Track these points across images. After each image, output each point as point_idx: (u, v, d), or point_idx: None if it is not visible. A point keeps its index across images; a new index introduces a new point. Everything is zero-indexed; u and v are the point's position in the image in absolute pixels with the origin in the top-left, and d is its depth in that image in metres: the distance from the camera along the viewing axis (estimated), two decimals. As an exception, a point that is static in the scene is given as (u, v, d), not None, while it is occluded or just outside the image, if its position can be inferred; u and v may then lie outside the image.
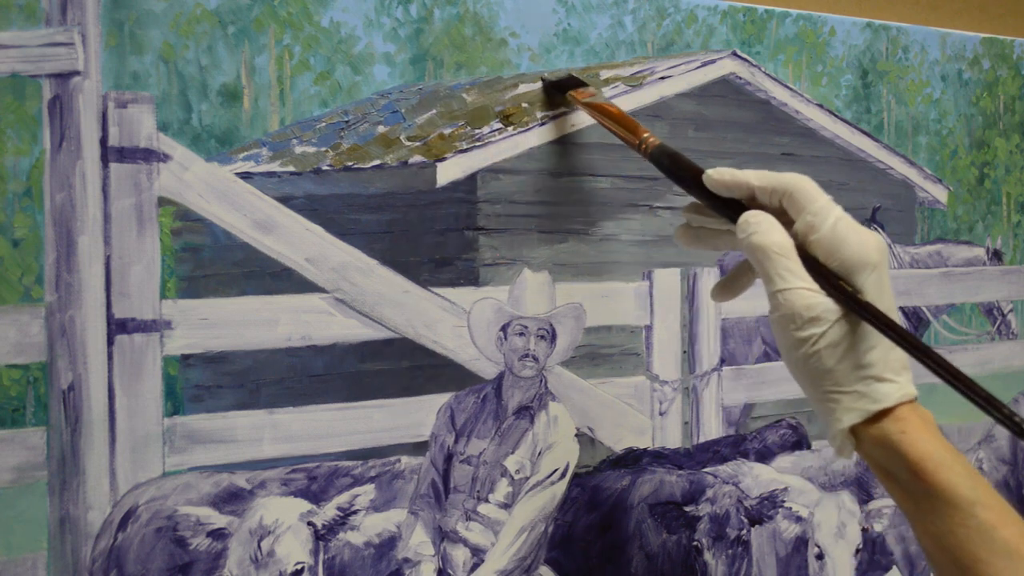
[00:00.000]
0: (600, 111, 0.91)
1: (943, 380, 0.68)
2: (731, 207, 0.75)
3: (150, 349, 0.79)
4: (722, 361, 1.07)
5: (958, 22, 1.32)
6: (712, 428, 1.08)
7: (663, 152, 0.83)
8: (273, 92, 0.84)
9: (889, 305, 0.70)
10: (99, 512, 0.77)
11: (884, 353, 0.69)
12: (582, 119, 0.97)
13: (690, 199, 0.81)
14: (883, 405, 0.68)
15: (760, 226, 0.71)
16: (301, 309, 0.85)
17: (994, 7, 1.37)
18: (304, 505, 0.84)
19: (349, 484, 0.86)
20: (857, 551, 1.13)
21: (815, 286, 0.69)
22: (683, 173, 0.80)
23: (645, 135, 0.85)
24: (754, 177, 0.74)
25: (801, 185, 0.72)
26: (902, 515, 1.19)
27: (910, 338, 0.68)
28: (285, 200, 0.84)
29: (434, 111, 0.91)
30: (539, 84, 0.96)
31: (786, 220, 0.72)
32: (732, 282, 0.84)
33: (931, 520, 0.68)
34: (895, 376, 0.69)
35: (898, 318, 0.71)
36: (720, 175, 0.76)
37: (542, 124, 0.95)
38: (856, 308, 0.68)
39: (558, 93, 0.95)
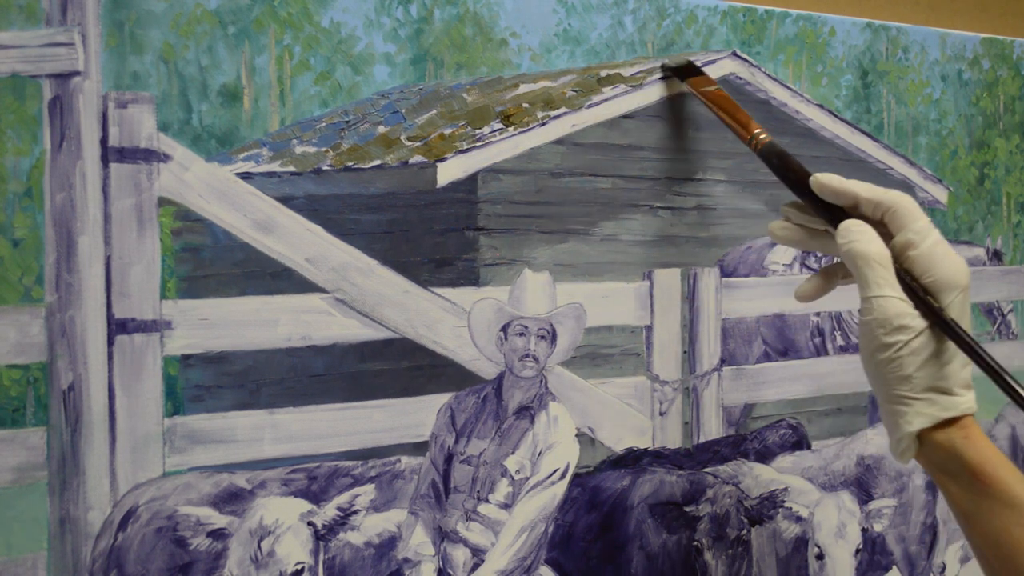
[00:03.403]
0: (716, 102, 0.96)
1: (1017, 404, 0.73)
2: (833, 212, 0.80)
3: (150, 349, 0.79)
4: (722, 361, 1.07)
5: (958, 22, 1.32)
6: (712, 428, 1.08)
7: (773, 151, 0.88)
8: (273, 92, 0.84)
9: (967, 325, 0.76)
10: (99, 512, 0.77)
11: (958, 368, 0.75)
12: (582, 119, 0.97)
13: (791, 197, 0.86)
14: (952, 413, 0.75)
15: (863, 235, 0.76)
16: (301, 309, 0.85)
17: (994, 7, 1.37)
18: (304, 505, 0.84)
19: (349, 484, 0.86)
20: (857, 551, 1.13)
21: (906, 297, 0.75)
22: (791, 174, 0.85)
23: (757, 131, 0.90)
24: (861, 188, 0.79)
25: (905, 203, 0.77)
26: (902, 515, 1.19)
27: (989, 358, 0.73)
28: (285, 200, 0.84)
29: (434, 111, 0.91)
30: (540, 84, 0.96)
31: (883, 232, 0.77)
32: (821, 281, 0.87)
33: (988, 519, 0.74)
34: (963, 391, 0.76)
35: (973, 336, 0.76)
36: (829, 180, 0.80)
37: (542, 124, 0.95)
38: (943, 324, 0.74)
39: (676, 78, 0.99)
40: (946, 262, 0.75)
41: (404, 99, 0.90)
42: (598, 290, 0.98)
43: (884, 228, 0.78)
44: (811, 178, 0.81)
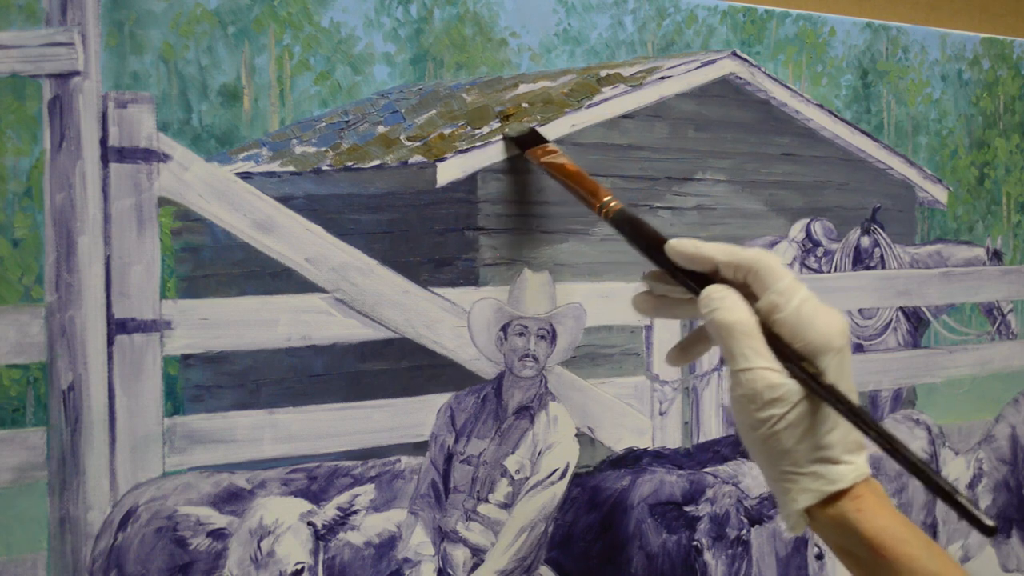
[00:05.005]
0: (560, 172, 0.89)
1: (904, 468, 0.67)
2: (694, 278, 0.74)
3: (150, 349, 0.79)
4: (722, 361, 1.07)
5: (958, 22, 1.32)
6: (712, 428, 1.08)
7: (624, 218, 0.82)
8: (273, 92, 0.84)
9: (849, 387, 0.70)
10: (99, 512, 0.77)
11: (843, 435, 0.69)
12: (582, 119, 0.97)
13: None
14: (839, 486, 0.69)
15: (724, 302, 0.70)
16: (301, 309, 0.85)
17: (994, 7, 1.38)
18: (304, 505, 0.84)
19: (349, 484, 0.86)
20: (857, 551, 1.13)
21: (778, 366, 0.69)
22: (645, 241, 0.79)
23: (607, 198, 0.84)
24: (718, 252, 0.73)
25: (766, 262, 0.71)
26: (905, 512, 1.19)
27: (872, 424, 0.67)
28: (285, 200, 0.84)
29: (434, 111, 0.91)
30: (539, 84, 0.96)
31: (748, 293, 0.72)
32: (690, 347, 0.83)
33: None
34: (851, 457, 0.70)
35: (856, 399, 0.69)
36: (683, 247, 0.75)
37: (542, 124, 0.95)
38: (820, 392, 0.68)
39: (517, 149, 0.92)
40: (816, 323, 0.69)
41: (404, 99, 0.90)
42: (598, 290, 0.98)
43: (749, 290, 0.72)
44: (666, 245, 0.75)
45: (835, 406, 0.68)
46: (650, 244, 0.78)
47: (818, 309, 0.70)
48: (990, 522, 0.65)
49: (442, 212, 0.91)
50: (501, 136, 0.92)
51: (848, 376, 0.70)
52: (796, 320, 0.69)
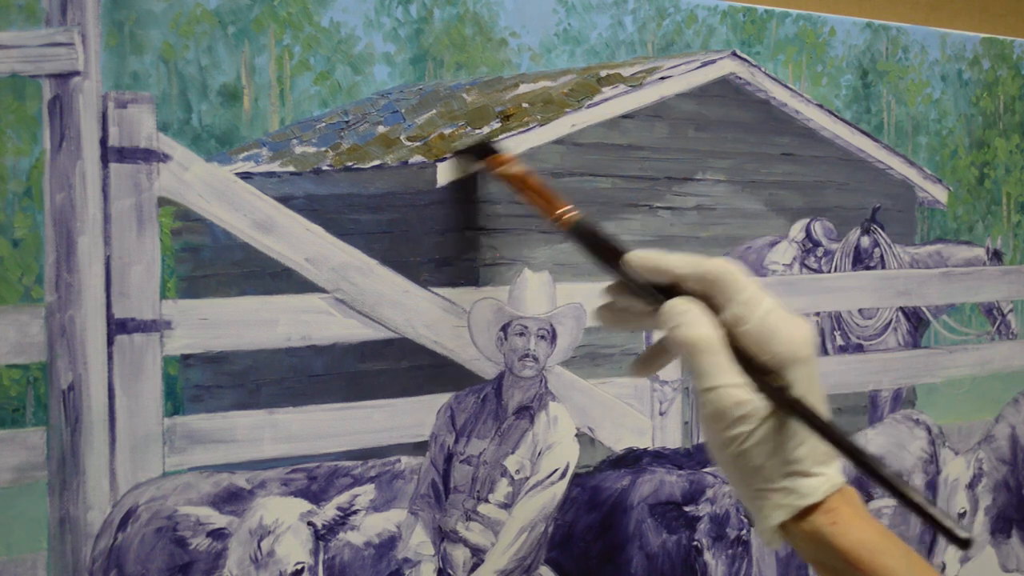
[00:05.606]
0: (516, 182, 0.87)
1: (875, 482, 0.65)
2: (656, 290, 0.72)
3: (150, 349, 0.79)
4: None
5: (958, 22, 1.32)
6: (712, 428, 1.08)
7: (583, 229, 0.80)
8: (273, 92, 0.84)
9: (817, 398, 0.68)
10: (99, 512, 0.77)
11: (812, 447, 0.67)
12: (582, 119, 0.97)
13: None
14: (811, 500, 0.67)
15: (686, 317, 0.68)
16: (301, 309, 0.85)
17: (994, 7, 1.38)
18: (304, 505, 0.84)
19: (349, 484, 0.86)
20: (857, 551, 1.13)
21: (743, 381, 0.67)
22: (604, 253, 0.77)
23: (563, 209, 0.81)
24: (680, 263, 0.71)
25: (729, 273, 0.69)
26: (902, 515, 1.19)
27: (841, 436, 0.66)
28: (285, 200, 0.84)
29: (434, 111, 0.91)
30: (539, 84, 0.96)
31: (712, 305, 0.69)
32: (652, 359, 0.80)
33: None
34: (823, 469, 0.68)
35: (826, 410, 0.67)
36: (643, 260, 0.72)
37: (542, 124, 0.95)
38: (786, 406, 0.67)
39: (472, 161, 0.90)
40: (781, 334, 0.67)
41: (404, 99, 0.90)
42: (598, 290, 0.98)
43: (712, 301, 0.69)
44: (624, 257, 0.73)
45: (802, 420, 0.66)
46: (610, 256, 0.76)
47: (783, 319, 0.68)
48: (964, 535, 0.62)
49: (442, 212, 0.91)
50: (452, 154, 0.90)
51: (816, 387, 0.69)
52: (761, 331, 0.67)
